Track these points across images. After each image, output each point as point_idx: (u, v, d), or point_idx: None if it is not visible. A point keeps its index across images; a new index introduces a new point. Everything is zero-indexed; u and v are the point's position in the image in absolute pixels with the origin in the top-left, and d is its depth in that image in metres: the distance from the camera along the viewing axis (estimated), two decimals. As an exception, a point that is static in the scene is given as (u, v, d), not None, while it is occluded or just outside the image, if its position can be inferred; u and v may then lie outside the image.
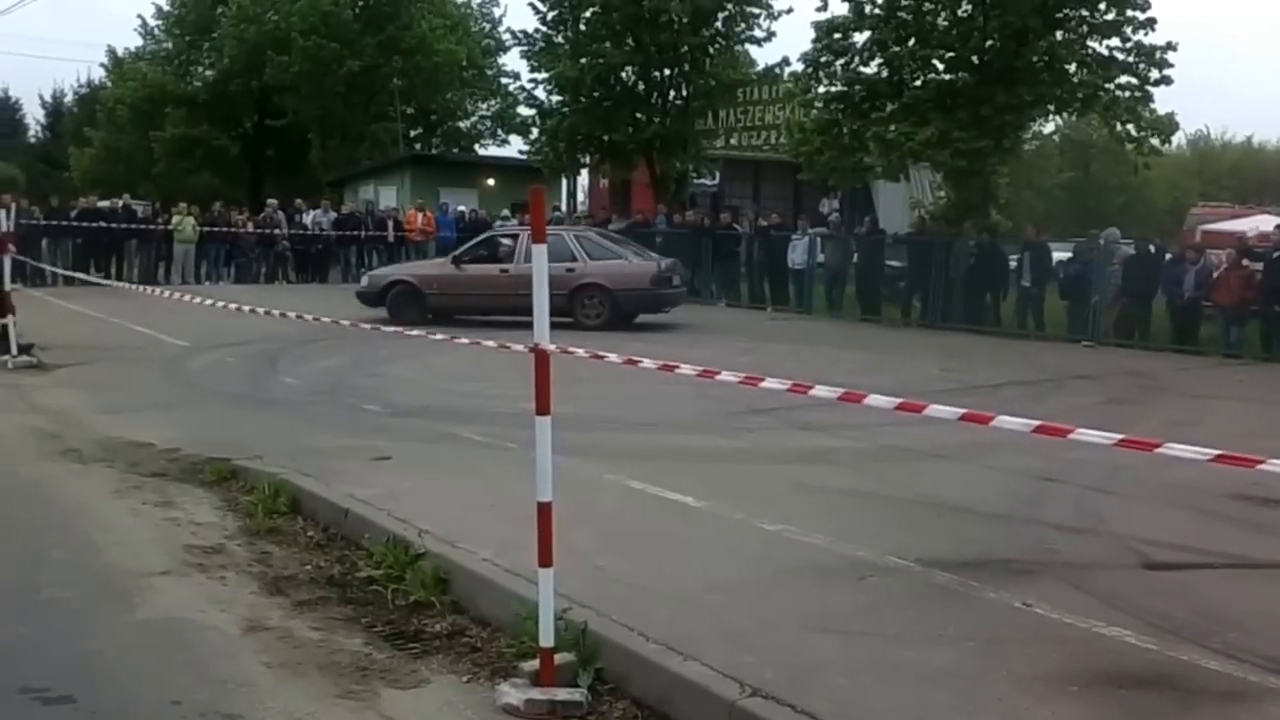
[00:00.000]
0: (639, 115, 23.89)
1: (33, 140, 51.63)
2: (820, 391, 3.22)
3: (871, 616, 4.13)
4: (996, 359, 13.11)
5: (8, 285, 11.39)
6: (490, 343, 5.16)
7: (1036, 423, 3.10)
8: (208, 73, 38.67)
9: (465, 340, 5.43)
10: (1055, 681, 3.56)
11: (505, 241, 15.72)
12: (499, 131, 39.59)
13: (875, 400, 3.18)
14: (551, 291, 14.87)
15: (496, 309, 14.26)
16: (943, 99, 17.81)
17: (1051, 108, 19.44)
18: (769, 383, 3.39)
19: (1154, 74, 17.69)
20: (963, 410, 3.19)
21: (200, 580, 4.69)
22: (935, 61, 18.37)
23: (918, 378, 10.89)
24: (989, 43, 17.58)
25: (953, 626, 4.01)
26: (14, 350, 10.81)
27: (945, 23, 18.21)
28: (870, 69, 18.94)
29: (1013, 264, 16.98)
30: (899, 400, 3.17)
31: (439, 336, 5.77)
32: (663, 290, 15.36)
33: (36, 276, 17.83)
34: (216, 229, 22.17)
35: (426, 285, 15.10)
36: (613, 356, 4.10)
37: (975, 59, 17.82)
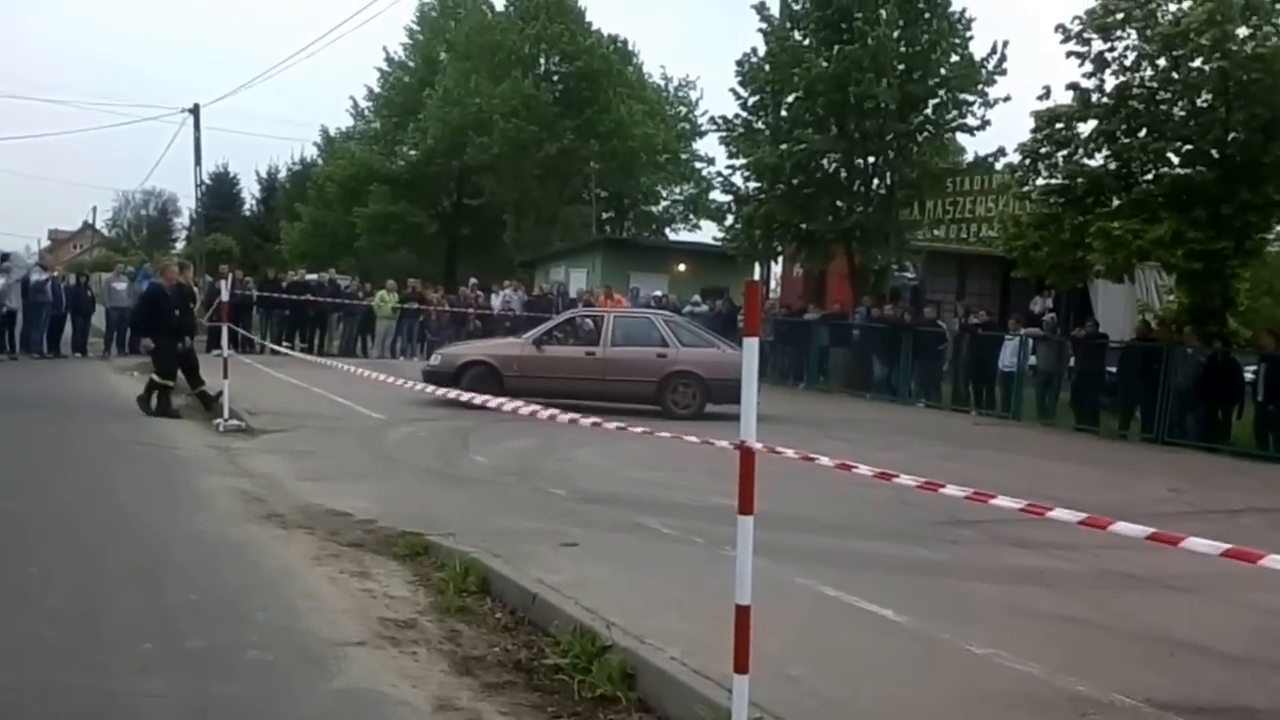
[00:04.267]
0: (840, 204, 23.18)
1: (247, 214, 55.61)
2: (1060, 514, 2.90)
3: (1095, 759, 3.73)
4: (1232, 481, 11.96)
5: (225, 352, 12.26)
6: (692, 438, 5.04)
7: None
8: (412, 152, 40.61)
9: (667, 434, 5.33)
10: None
11: (587, 323, 15.57)
12: (691, 216, 40.14)
13: (1124, 529, 2.83)
14: (640, 377, 14.58)
15: (581, 393, 14.03)
16: (1177, 195, 16.50)
17: (1304, 207, 17.77)
18: (1001, 500, 3.08)
19: None
20: (1226, 545, 2.81)
21: (393, 654, 4.74)
22: (1170, 154, 17.08)
23: (1143, 498, 10.06)
24: (1232, 135, 16.25)
25: (1189, 777, 3.61)
26: (226, 414, 11.59)
27: (1182, 113, 16.94)
28: (1095, 161, 17.88)
29: (1249, 375, 15.62)
30: (1149, 530, 2.81)
31: (639, 429, 5.70)
32: None
33: (246, 344, 19.13)
34: (411, 305, 23.38)
35: (506, 366, 14.64)
36: (825, 460, 3.90)
37: (1215, 153, 16.47)
